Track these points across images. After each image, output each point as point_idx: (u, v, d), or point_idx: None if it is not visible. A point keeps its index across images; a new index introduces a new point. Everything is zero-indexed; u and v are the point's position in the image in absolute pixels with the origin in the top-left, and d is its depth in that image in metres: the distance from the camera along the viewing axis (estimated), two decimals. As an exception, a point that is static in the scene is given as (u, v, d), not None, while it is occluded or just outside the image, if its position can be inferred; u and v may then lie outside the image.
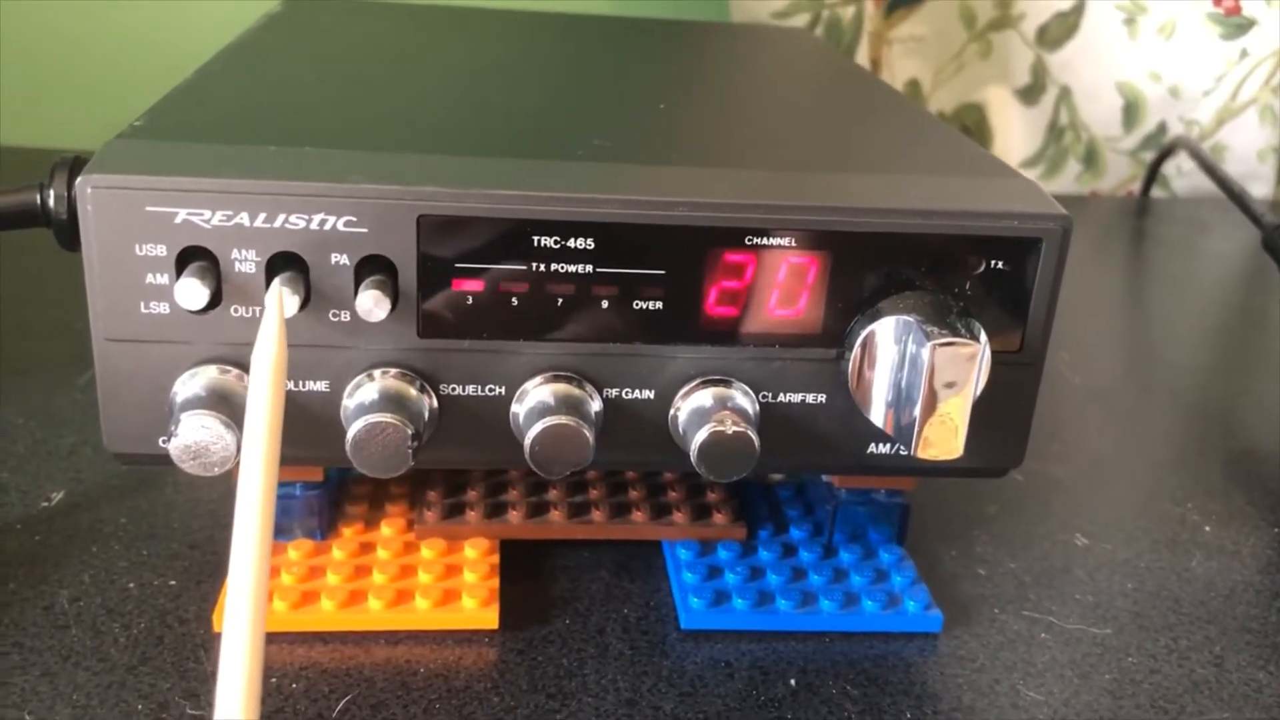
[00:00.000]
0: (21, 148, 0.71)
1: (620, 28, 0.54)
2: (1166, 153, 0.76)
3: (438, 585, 0.32)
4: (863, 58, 0.77)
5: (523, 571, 0.34)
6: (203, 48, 0.39)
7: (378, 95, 0.35)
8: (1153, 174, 0.78)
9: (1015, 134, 0.81)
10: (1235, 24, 0.76)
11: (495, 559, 0.33)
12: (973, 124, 0.81)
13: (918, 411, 0.27)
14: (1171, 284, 0.67)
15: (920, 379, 0.27)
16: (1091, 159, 0.81)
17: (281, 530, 0.33)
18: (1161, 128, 0.79)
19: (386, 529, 0.34)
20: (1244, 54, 0.76)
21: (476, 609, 0.31)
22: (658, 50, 0.50)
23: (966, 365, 0.27)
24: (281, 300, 0.25)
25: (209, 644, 0.30)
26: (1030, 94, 0.80)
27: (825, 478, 0.35)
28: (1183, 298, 0.64)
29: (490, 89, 0.38)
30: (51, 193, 0.31)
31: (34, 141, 0.72)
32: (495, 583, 0.32)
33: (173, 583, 0.32)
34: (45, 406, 0.41)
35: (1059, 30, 0.78)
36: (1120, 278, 0.68)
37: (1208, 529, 0.39)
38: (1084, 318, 0.58)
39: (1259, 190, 0.80)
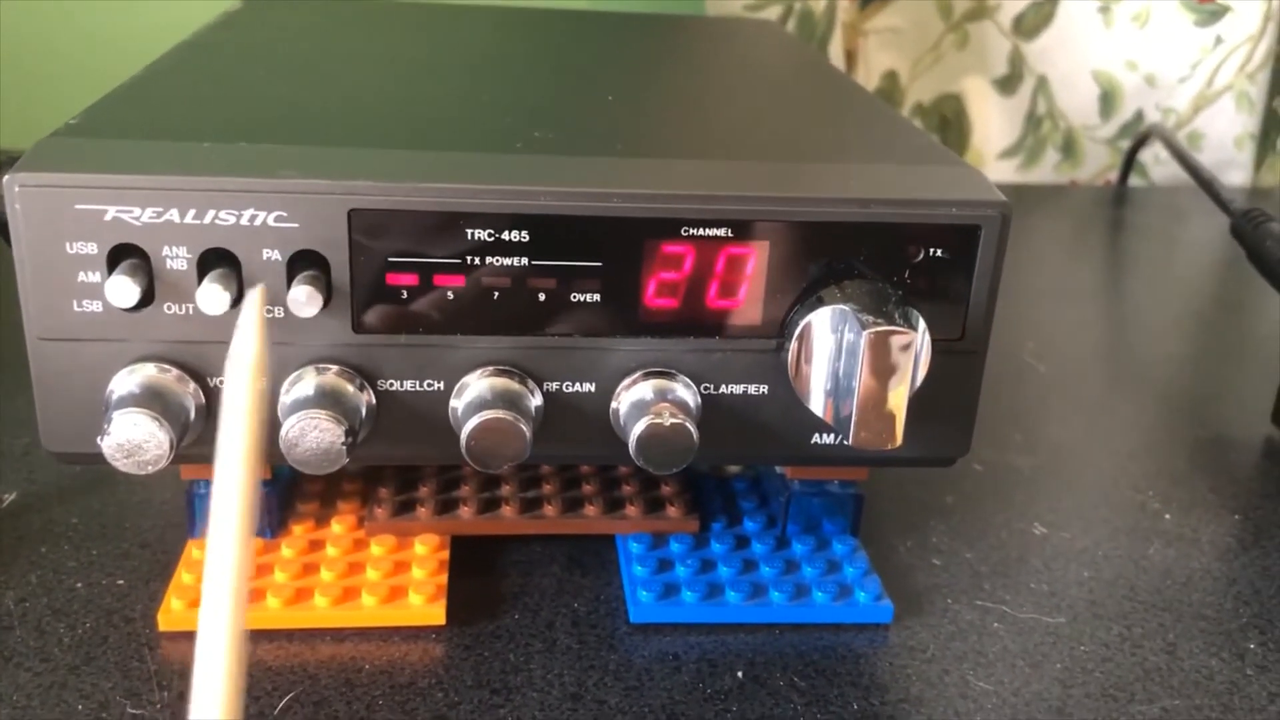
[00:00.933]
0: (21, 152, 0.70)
1: (588, 22, 0.54)
2: (1141, 141, 0.75)
3: (385, 582, 0.32)
4: (837, 50, 0.77)
5: (474, 567, 0.34)
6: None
7: (322, 91, 0.35)
8: (1129, 162, 0.78)
9: (994, 124, 0.81)
10: (1209, 11, 0.75)
11: (445, 555, 0.33)
12: (951, 115, 0.81)
13: (855, 401, 0.27)
14: (1145, 272, 0.66)
15: (857, 368, 0.27)
16: (1070, 148, 0.81)
17: (230, 528, 0.33)
18: (1138, 116, 0.79)
19: (337, 526, 0.34)
20: (1218, 40, 0.76)
21: (423, 605, 0.31)
22: (621, 44, 0.50)
23: (903, 354, 0.27)
24: (262, 301, 0.24)
25: (154, 643, 0.30)
26: (1008, 84, 0.80)
27: (779, 469, 0.35)
28: (1155, 285, 0.64)
29: (440, 84, 0.38)
30: (-3, 194, 0.31)
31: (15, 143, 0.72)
32: (443, 579, 0.32)
33: (121, 582, 0.32)
34: (1, 408, 0.41)
35: (1035, 20, 0.78)
36: (1094, 266, 0.68)
37: (1168, 516, 0.39)
38: (1057, 307, 0.58)
39: (1237, 177, 0.80)
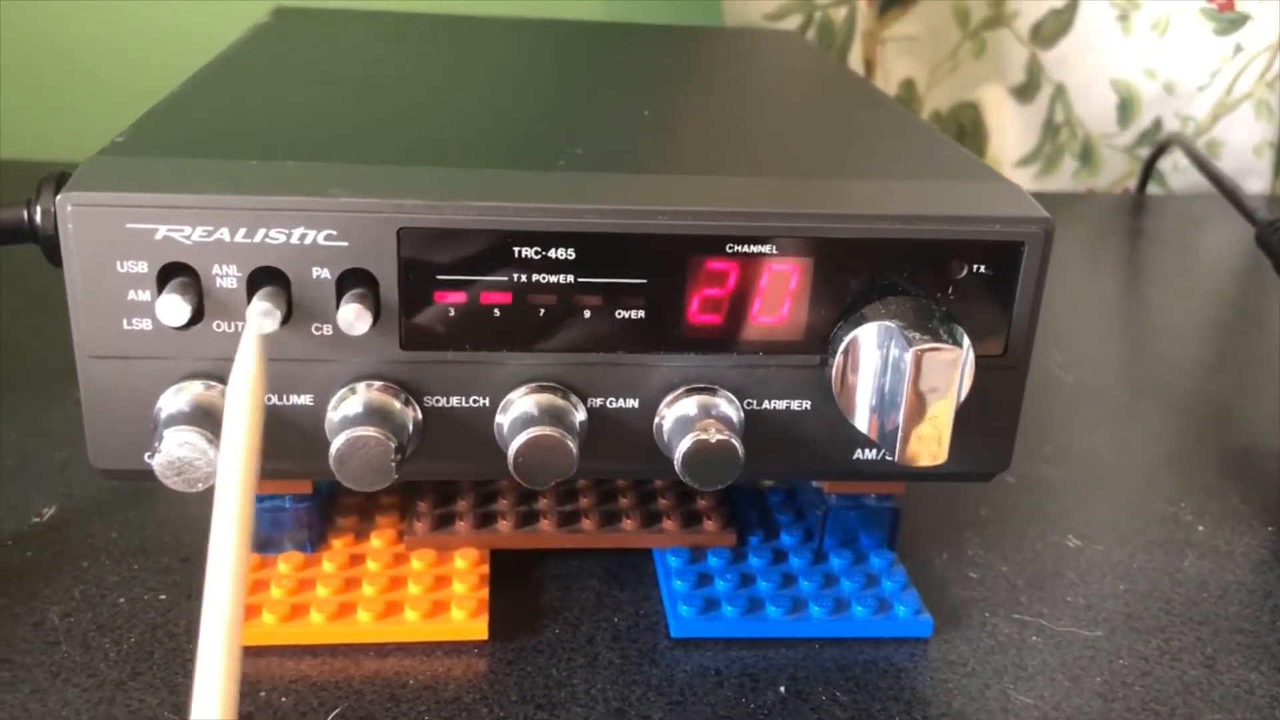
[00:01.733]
0: (24, 161, 0.71)
1: (609, 34, 0.54)
2: (1161, 149, 0.75)
3: (427, 596, 0.32)
4: (856, 58, 0.77)
5: (513, 581, 0.34)
6: (205, 59, 0.40)
7: (361, 107, 0.35)
8: (1148, 171, 0.78)
9: (1011, 132, 0.81)
10: (1229, 19, 0.75)
11: (485, 569, 0.33)
12: (968, 123, 0.81)
13: (901, 417, 0.27)
14: (1166, 281, 0.67)
15: (903, 384, 0.27)
16: (1087, 156, 0.81)
17: (271, 543, 0.33)
18: (1157, 124, 0.79)
19: (376, 540, 0.34)
20: (1238, 49, 0.76)
21: (466, 620, 0.31)
22: (645, 56, 0.50)
23: (949, 370, 0.27)
24: (260, 319, 0.25)
25: (198, 658, 0.30)
26: (1025, 92, 0.80)
27: (815, 483, 0.35)
28: (1178, 295, 0.64)
29: (475, 98, 0.38)
30: (39, 209, 0.31)
31: (36, 154, 0.72)
32: (485, 593, 0.32)
33: (163, 597, 0.33)
34: (38, 421, 0.41)
35: (1053, 27, 0.78)
36: (1115, 276, 0.68)
37: (1201, 529, 0.39)
38: (1079, 317, 0.58)
39: (1256, 185, 0.80)
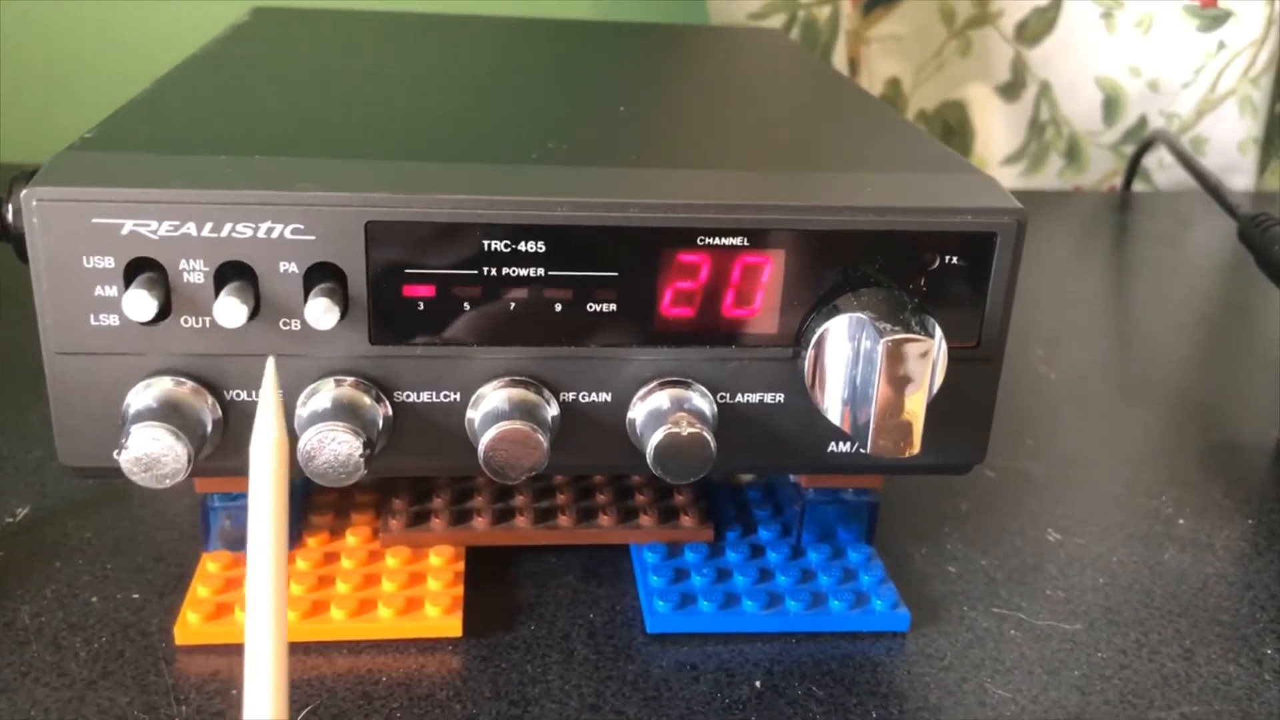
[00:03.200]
0: (18, 164, 0.70)
1: (592, 32, 0.54)
2: (1146, 146, 0.75)
3: (401, 594, 0.32)
4: (840, 57, 0.77)
5: (489, 578, 0.34)
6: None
7: (335, 103, 0.35)
8: (1133, 168, 0.78)
9: (997, 131, 0.81)
10: (1212, 16, 0.75)
11: (460, 566, 0.33)
12: (955, 122, 0.81)
13: (873, 409, 0.27)
14: (1152, 277, 0.67)
15: (875, 376, 0.27)
16: (1074, 154, 0.81)
17: (244, 542, 0.33)
18: (1142, 121, 0.79)
19: (351, 538, 0.34)
20: (1221, 46, 0.76)
21: (440, 617, 0.31)
22: (627, 55, 0.50)
23: (920, 362, 0.27)
24: (275, 380, 0.24)
25: (170, 657, 0.30)
26: (1011, 90, 0.80)
27: (792, 477, 0.35)
28: (1163, 291, 0.64)
29: (451, 95, 0.38)
30: (9, 207, 0.31)
31: (31, 158, 0.72)
32: (459, 590, 0.32)
33: (136, 596, 0.32)
34: (11, 421, 0.41)
35: (1038, 26, 0.78)
36: (1101, 273, 0.68)
37: (1182, 522, 0.39)
38: (1064, 313, 0.58)
39: (1241, 181, 0.80)
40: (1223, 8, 0.75)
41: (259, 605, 0.20)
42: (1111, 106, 0.79)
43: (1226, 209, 0.55)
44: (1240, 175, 0.80)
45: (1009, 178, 0.81)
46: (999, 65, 0.79)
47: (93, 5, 0.74)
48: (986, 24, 0.78)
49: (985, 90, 0.80)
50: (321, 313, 0.27)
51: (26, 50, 0.74)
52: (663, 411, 0.29)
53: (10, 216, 0.31)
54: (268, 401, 0.20)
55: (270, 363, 0.21)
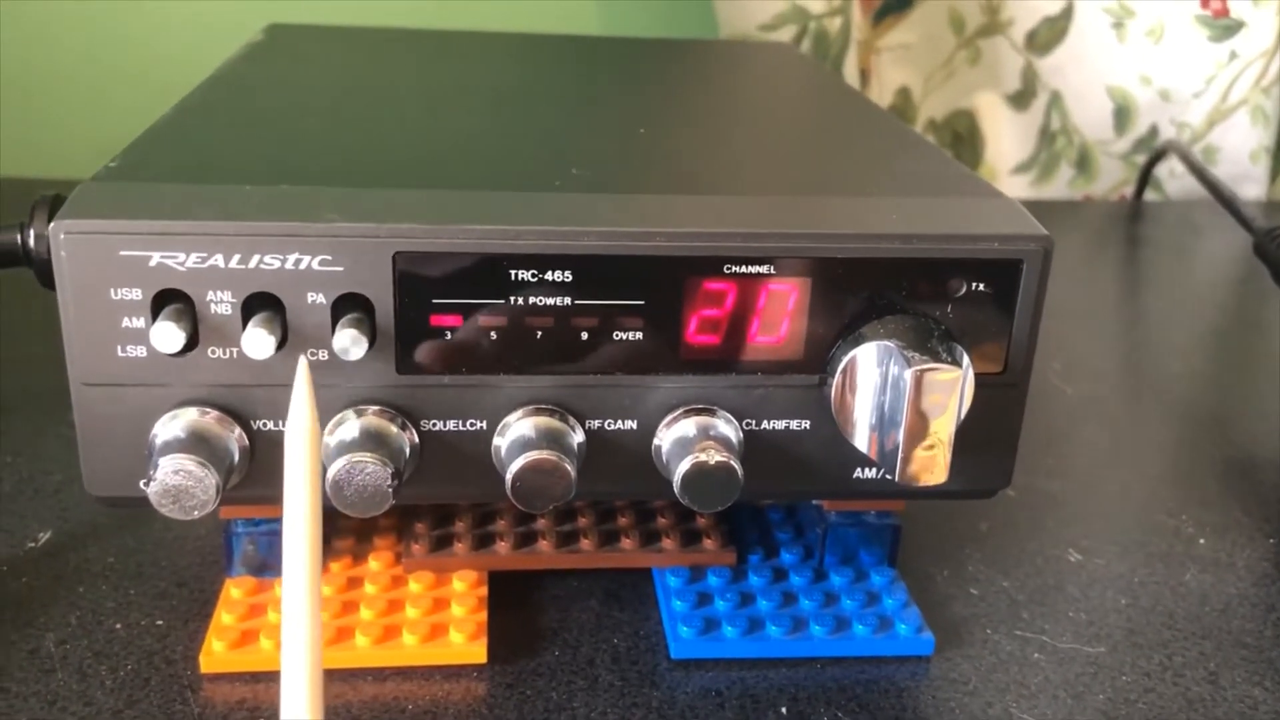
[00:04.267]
0: (20, 178, 0.71)
1: (604, 49, 0.54)
2: (1158, 156, 0.75)
3: (425, 620, 0.32)
4: (851, 68, 0.77)
5: (512, 602, 0.34)
6: (202, 75, 0.39)
7: (356, 128, 0.35)
8: (1145, 178, 0.78)
9: (1007, 140, 0.81)
10: (1223, 26, 0.75)
11: (483, 591, 0.33)
12: (964, 131, 0.81)
13: (901, 436, 0.27)
14: (1164, 290, 0.66)
15: (903, 404, 0.27)
16: (1084, 163, 0.81)
17: (268, 567, 0.33)
18: (1153, 131, 0.79)
19: (374, 563, 0.34)
20: (1233, 55, 0.76)
21: (464, 643, 0.31)
22: (640, 72, 0.50)
23: (948, 389, 0.27)
24: (309, 374, 0.23)
25: (196, 685, 0.30)
26: (1021, 99, 0.80)
27: (814, 501, 0.35)
28: (1175, 304, 0.64)
29: (470, 118, 0.38)
30: (32, 232, 0.31)
31: (34, 172, 0.72)
32: (483, 616, 0.32)
33: (160, 622, 0.32)
34: (33, 444, 0.41)
35: (1048, 35, 0.78)
36: (1112, 284, 0.68)
37: (1202, 541, 0.39)
38: (1077, 326, 0.58)
39: (1252, 191, 0.80)
40: (1234, 17, 0.75)
41: (295, 604, 0.20)
42: (1122, 116, 0.79)
43: (1241, 222, 0.55)
44: (1252, 185, 0.80)
45: (1019, 187, 0.81)
46: (1009, 74, 0.79)
47: (91, 14, 0.74)
48: (996, 33, 0.78)
49: (995, 99, 0.80)
50: (350, 343, 0.27)
51: (23, 61, 0.74)
52: (689, 439, 0.29)
53: (32, 242, 0.31)
54: (301, 394, 0.20)
55: (303, 360, 0.22)
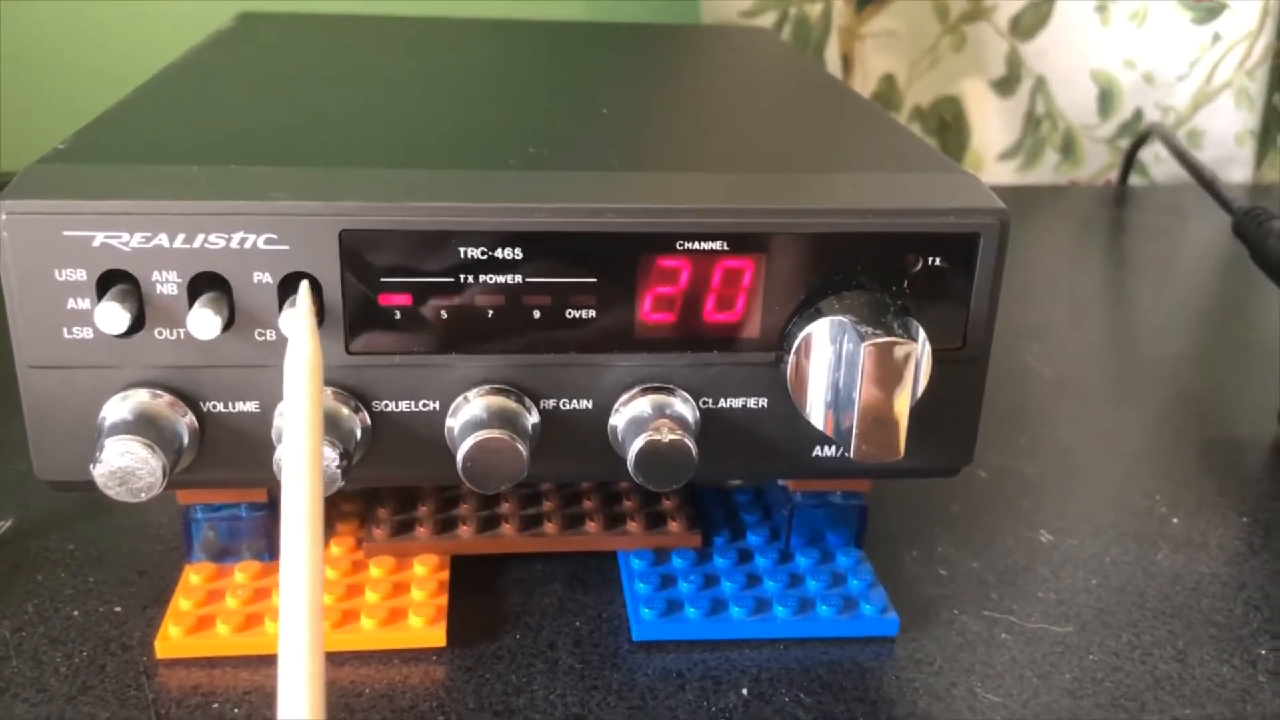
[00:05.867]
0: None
1: (580, 33, 0.53)
2: (1141, 140, 0.75)
3: (384, 604, 0.31)
4: (834, 54, 0.76)
5: (474, 587, 0.33)
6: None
7: (313, 110, 0.35)
8: (1129, 162, 0.77)
9: (993, 126, 0.80)
10: (1206, 8, 0.75)
11: (445, 575, 0.33)
12: (950, 117, 0.81)
13: (856, 413, 0.27)
14: (1147, 273, 0.66)
15: (857, 379, 0.27)
16: (1069, 148, 0.80)
17: (228, 552, 0.33)
18: (1138, 114, 0.78)
19: (335, 548, 0.33)
20: (1216, 38, 0.76)
21: (423, 627, 0.31)
22: (614, 56, 0.49)
23: (903, 365, 0.27)
24: (310, 298, 0.23)
25: (151, 671, 0.30)
26: (1006, 85, 0.79)
27: (780, 481, 0.35)
28: (1158, 286, 0.63)
29: (434, 100, 0.38)
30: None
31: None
32: (444, 600, 0.32)
33: (118, 609, 0.32)
34: (-2, 433, 0.41)
35: (1031, 20, 0.77)
36: (1096, 268, 0.67)
37: (1176, 521, 0.39)
38: (1059, 310, 0.58)
39: (1239, 174, 0.80)
40: (1218, 0, 0.75)
41: (295, 546, 0.20)
42: (1107, 100, 0.78)
43: (1221, 203, 0.54)
44: (1237, 168, 0.80)
45: (1005, 173, 0.80)
46: (994, 60, 0.79)
47: (85, 11, 0.74)
48: (980, 18, 0.78)
49: (980, 85, 0.80)
50: (296, 323, 0.26)
51: (20, 58, 0.74)
52: (644, 418, 0.28)
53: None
54: (302, 318, 0.20)
55: (304, 285, 0.22)
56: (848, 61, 0.78)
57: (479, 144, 0.32)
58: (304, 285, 0.21)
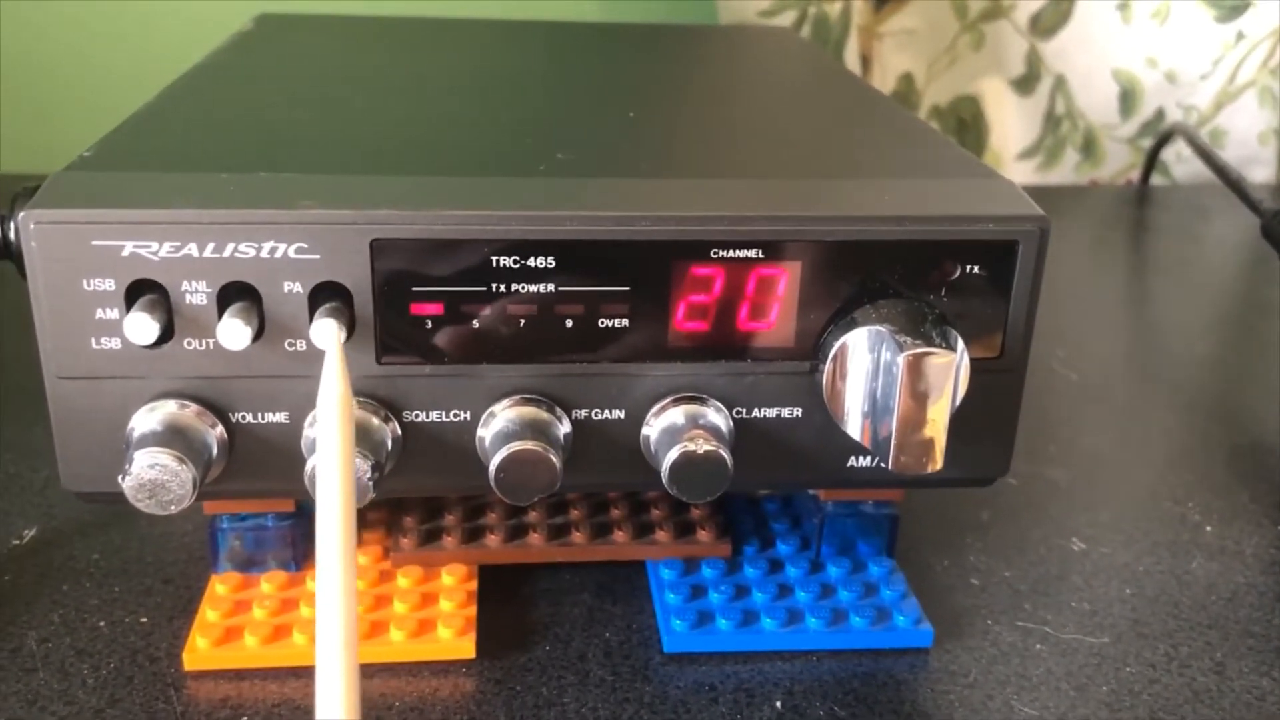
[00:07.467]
0: (24, 175, 0.70)
1: (600, 35, 0.53)
2: (1164, 140, 0.74)
3: (413, 615, 0.31)
4: (852, 54, 0.76)
5: (502, 597, 0.33)
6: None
7: (339, 115, 0.35)
8: (1151, 162, 0.77)
9: (1012, 125, 0.80)
10: (1230, 6, 0.74)
11: (473, 585, 0.32)
12: (969, 117, 0.80)
13: (894, 423, 0.27)
14: (1171, 274, 0.65)
15: (895, 390, 0.26)
16: (1089, 148, 0.80)
17: (254, 563, 0.32)
18: (1159, 114, 0.78)
19: (362, 558, 0.33)
20: (1240, 36, 0.75)
21: (453, 639, 0.31)
22: (635, 57, 0.49)
23: (942, 375, 0.26)
24: (339, 338, 0.23)
25: (179, 683, 0.29)
26: (1025, 84, 0.79)
27: (810, 491, 0.34)
28: (1183, 288, 0.63)
29: (458, 105, 0.37)
30: (13, 225, 0.30)
31: (38, 169, 0.71)
32: (472, 610, 0.32)
33: (144, 620, 0.32)
34: (21, 439, 0.40)
35: (1052, 18, 0.77)
36: (1119, 269, 0.67)
37: (1209, 529, 0.38)
38: (1083, 312, 0.57)
39: (1261, 173, 0.79)
40: (1241, -3, 0.74)
41: (330, 580, 0.20)
42: (1128, 99, 0.78)
43: (1249, 205, 0.54)
44: (1260, 167, 0.79)
45: (1024, 172, 0.80)
46: (1013, 58, 0.78)
47: (92, 11, 0.73)
48: (1000, 17, 0.77)
49: (999, 84, 0.79)
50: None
51: (25, 58, 0.74)
52: (678, 428, 0.28)
53: (12, 235, 0.30)
54: (332, 360, 0.20)
55: (333, 324, 0.22)
56: (866, 61, 0.78)
57: (508, 150, 0.32)
58: (332, 327, 0.21)
